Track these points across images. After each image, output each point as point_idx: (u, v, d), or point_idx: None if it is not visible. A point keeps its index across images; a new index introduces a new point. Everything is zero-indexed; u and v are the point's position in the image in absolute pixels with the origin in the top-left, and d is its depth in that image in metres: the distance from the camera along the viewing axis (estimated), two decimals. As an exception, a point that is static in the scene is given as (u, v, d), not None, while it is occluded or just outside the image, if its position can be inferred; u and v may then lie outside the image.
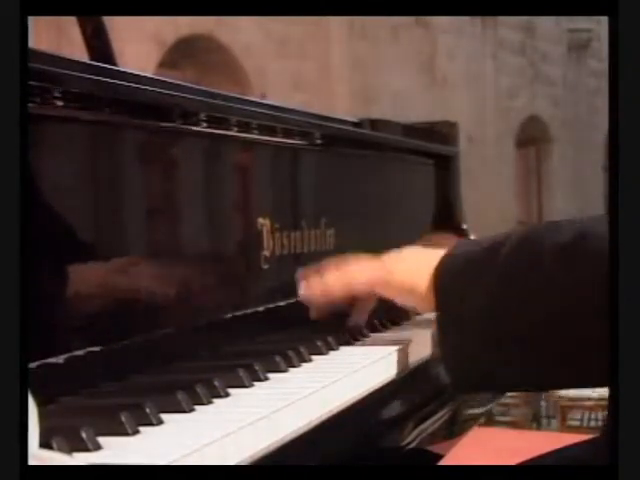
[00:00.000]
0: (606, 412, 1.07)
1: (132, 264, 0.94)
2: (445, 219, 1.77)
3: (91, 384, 0.85)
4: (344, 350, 1.05)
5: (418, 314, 1.33)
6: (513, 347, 0.95)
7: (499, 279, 0.96)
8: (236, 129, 1.12)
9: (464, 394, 1.14)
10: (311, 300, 1.13)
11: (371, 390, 0.96)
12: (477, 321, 0.97)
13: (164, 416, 0.73)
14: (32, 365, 0.77)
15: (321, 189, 1.36)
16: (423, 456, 1.10)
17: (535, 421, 5.58)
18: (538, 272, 0.94)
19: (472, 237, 1.10)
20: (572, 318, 0.91)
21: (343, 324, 1.14)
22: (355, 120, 1.54)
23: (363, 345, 1.10)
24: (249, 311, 1.14)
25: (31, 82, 0.78)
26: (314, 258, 1.28)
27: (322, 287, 1.11)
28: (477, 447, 1.77)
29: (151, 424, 0.72)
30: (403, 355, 1.07)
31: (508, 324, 0.95)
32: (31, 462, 0.57)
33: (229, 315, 1.09)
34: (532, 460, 1.10)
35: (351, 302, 1.14)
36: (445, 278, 1.01)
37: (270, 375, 0.89)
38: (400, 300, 1.10)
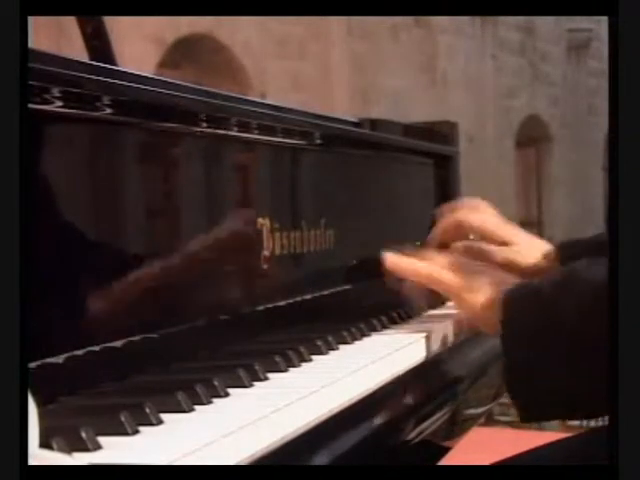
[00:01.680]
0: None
1: (132, 264, 0.94)
2: (445, 219, 1.77)
3: (91, 384, 0.85)
4: (344, 350, 1.05)
5: (418, 314, 1.33)
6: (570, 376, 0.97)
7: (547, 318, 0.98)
8: (236, 129, 1.12)
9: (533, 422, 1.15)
10: (393, 272, 1.20)
11: (371, 390, 0.96)
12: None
13: (164, 416, 0.73)
14: (32, 365, 0.77)
15: (321, 189, 1.36)
16: (423, 455, 1.10)
17: (535, 421, 5.57)
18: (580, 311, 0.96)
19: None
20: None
21: (343, 324, 1.15)
22: (355, 120, 1.54)
23: (363, 345, 1.10)
24: (249, 311, 1.14)
25: (31, 82, 0.78)
26: (314, 258, 1.28)
27: (409, 269, 1.18)
28: (477, 447, 1.77)
29: (151, 424, 0.72)
30: (404, 355, 1.07)
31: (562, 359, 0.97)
32: (31, 462, 0.57)
33: (229, 315, 1.09)
34: (526, 453, 1.10)
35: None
36: (510, 316, 1.02)
37: (270, 375, 0.89)
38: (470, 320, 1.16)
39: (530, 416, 1.02)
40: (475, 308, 1.09)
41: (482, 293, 1.09)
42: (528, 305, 1.02)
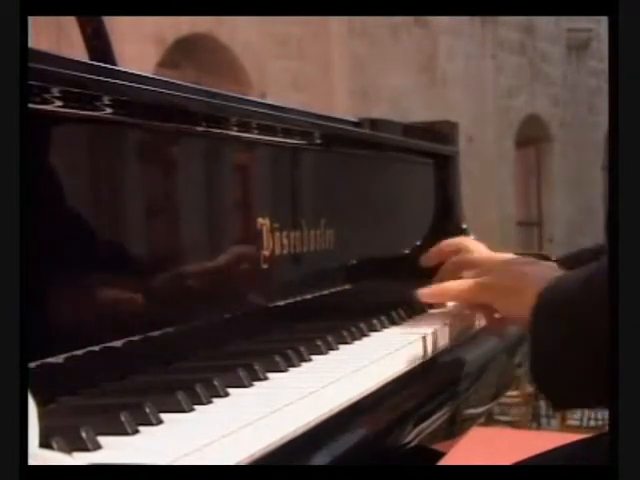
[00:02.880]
0: (606, 411, 1.07)
1: (132, 264, 0.95)
2: (445, 219, 1.77)
3: (91, 384, 0.85)
4: (344, 350, 1.05)
5: (418, 314, 1.33)
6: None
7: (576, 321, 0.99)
8: (236, 129, 1.12)
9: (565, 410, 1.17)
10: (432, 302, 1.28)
11: (371, 390, 0.96)
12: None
13: (164, 416, 0.73)
14: (32, 365, 0.77)
15: (321, 189, 1.36)
16: (423, 455, 1.10)
17: (535, 421, 5.59)
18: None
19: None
20: None
21: (343, 324, 1.15)
22: (355, 120, 1.54)
23: (363, 344, 1.10)
24: (249, 311, 1.14)
25: (31, 82, 0.78)
26: (313, 258, 1.28)
27: (447, 293, 1.23)
28: (477, 447, 1.77)
29: (151, 424, 0.72)
30: (404, 355, 1.07)
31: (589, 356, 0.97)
32: (31, 462, 0.57)
33: (228, 315, 1.09)
34: (529, 459, 1.10)
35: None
36: (543, 312, 1.03)
37: (270, 375, 0.89)
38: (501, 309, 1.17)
39: (560, 403, 1.06)
40: (522, 308, 1.07)
41: (525, 293, 1.08)
42: (557, 310, 1.02)
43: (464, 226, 1.79)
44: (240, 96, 1.23)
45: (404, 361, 1.07)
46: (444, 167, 1.79)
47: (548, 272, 1.10)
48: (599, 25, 11.88)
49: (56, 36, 4.18)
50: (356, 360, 0.98)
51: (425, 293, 1.24)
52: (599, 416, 4.72)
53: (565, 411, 1.30)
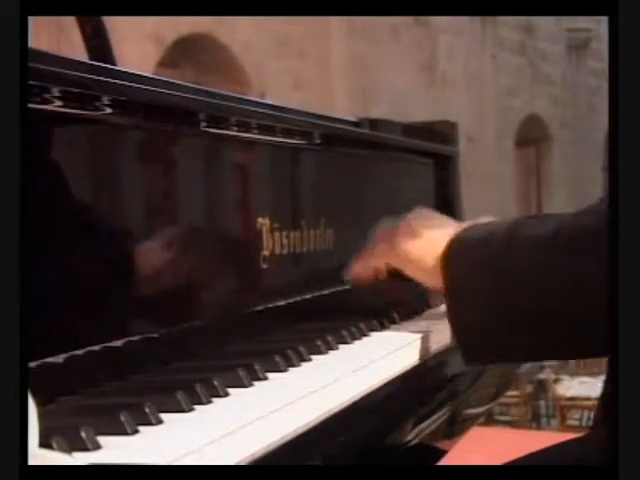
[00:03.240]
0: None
1: (132, 264, 0.94)
2: (445, 219, 1.77)
3: (91, 384, 0.85)
4: (344, 350, 1.05)
5: (418, 314, 1.33)
6: (517, 325, 1.01)
7: (494, 270, 1.03)
8: (236, 129, 1.12)
9: (475, 366, 1.18)
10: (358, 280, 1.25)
11: (371, 389, 0.96)
12: (482, 300, 1.03)
13: (164, 416, 0.73)
14: (32, 365, 0.77)
15: (321, 189, 1.36)
16: (423, 455, 1.10)
17: (535, 421, 5.59)
18: (521, 264, 1.00)
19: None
20: (562, 304, 0.97)
21: (343, 324, 1.15)
22: (355, 120, 1.54)
23: (363, 344, 1.10)
24: (248, 311, 1.14)
25: (31, 82, 0.78)
26: (313, 258, 1.28)
27: (365, 266, 1.23)
28: (477, 447, 1.77)
29: (150, 424, 0.72)
30: (404, 354, 1.07)
31: (507, 308, 1.01)
32: (31, 462, 0.57)
33: (229, 315, 1.09)
34: (521, 459, 1.10)
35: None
36: (452, 261, 1.06)
37: (270, 375, 0.89)
38: (409, 272, 1.17)
39: (472, 358, 1.06)
40: (427, 267, 1.11)
41: (431, 249, 1.10)
42: (470, 254, 1.06)
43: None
44: (240, 96, 1.23)
45: (404, 361, 1.07)
46: (444, 167, 1.79)
47: (450, 230, 1.11)
48: (599, 25, 11.88)
49: (56, 36, 4.18)
50: (356, 360, 0.98)
51: (347, 273, 1.25)
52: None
53: (482, 365, 1.33)
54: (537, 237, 1.00)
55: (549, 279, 0.98)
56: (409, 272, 1.17)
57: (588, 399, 4.79)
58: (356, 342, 1.10)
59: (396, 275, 1.21)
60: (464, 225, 1.13)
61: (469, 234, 1.08)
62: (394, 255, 1.17)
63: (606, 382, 1.09)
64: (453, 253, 1.06)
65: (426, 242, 1.12)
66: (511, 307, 1.00)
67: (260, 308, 1.16)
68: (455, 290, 1.05)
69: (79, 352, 0.84)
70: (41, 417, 0.59)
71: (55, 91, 0.83)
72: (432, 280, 1.11)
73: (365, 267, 1.23)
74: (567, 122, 12.48)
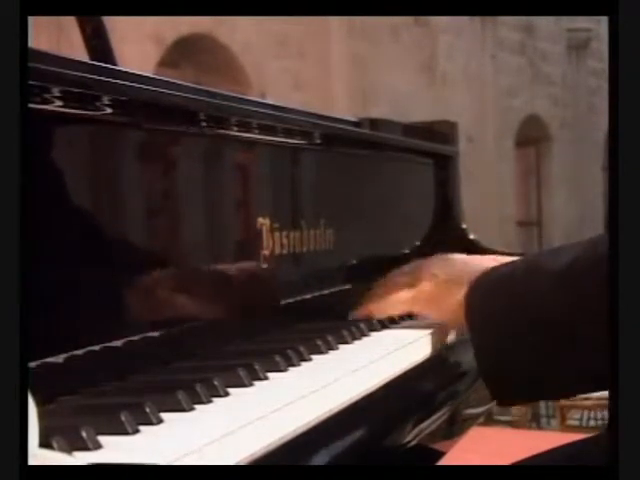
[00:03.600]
0: (606, 411, 1.08)
1: (132, 264, 0.95)
2: (445, 219, 1.77)
3: (91, 384, 0.85)
4: (344, 349, 1.05)
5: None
6: (540, 358, 1.02)
7: (513, 303, 1.04)
8: (236, 129, 1.12)
9: (507, 405, 1.19)
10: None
11: (371, 389, 0.96)
12: (505, 335, 1.04)
13: (164, 415, 0.73)
14: (32, 365, 0.77)
15: (321, 189, 1.36)
16: (423, 455, 1.10)
17: (535, 421, 5.59)
18: (541, 298, 1.01)
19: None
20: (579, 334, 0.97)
21: (343, 324, 1.15)
22: (355, 120, 1.54)
23: (363, 344, 1.10)
24: (249, 311, 1.14)
25: (31, 82, 0.78)
26: (313, 258, 1.28)
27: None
28: (477, 447, 1.77)
29: (151, 423, 0.72)
30: (404, 354, 1.07)
31: (528, 343, 1.02)
32: (31, 462, 0.57)
33: (229, 315, 1.09)
34: (528, 459, 1.10)
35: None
36: (475, 301, 1.08)
37: (270, 375, 0.89)
38: (434, 315, 1.18)
39: (502, 397, 1.07)
40: (452, 309, 1.12)
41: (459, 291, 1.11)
42: (493, 292, 1.06)
43: (464, 226, 1.79)
44: (240, 96, 1.23)
45: (404, 361, 1.07)
46: (444, 167, 1.79)
47: (481, 266, 1.12)
48: (599, 25, 11.87)
49: (56, 36, 4.18)
50: (356, 360, 0.98)
51: (356, 314, 1.23)
52: (599, 416, 4.72)
53: (512, 405, 1.37)
54: (554, 270, 1.00)
55: (563, 310, 0.98)
56: (434, 315, 1.18)
57: (588, 399, 4.79)
58: (356, 342, 1.10)
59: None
60: (484, 263, 1.14)
61: (492, 274, 1.09)
62: (417, 301, 1.18)
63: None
64: (476, 293, 1.07)
65: (450, 285, 1.13)
66: (531, 341, 1.01)
67: (260, 308, 1.16)
68: (479, 327, 1.06)
69: (79, 352, 0.84)
70: (41, 417, 0.59)
71: (55, 91, 0.83)
72: (456, 321, 1.11)
73: (380, 311, 1.22)
74: (567, 122, 12.48)
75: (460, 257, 1.22)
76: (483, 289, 1.07)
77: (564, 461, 1.09)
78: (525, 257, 1.13)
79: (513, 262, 1.10)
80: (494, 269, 1.10)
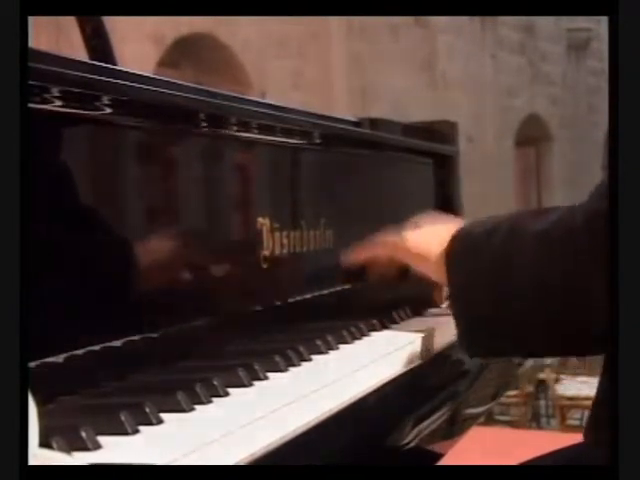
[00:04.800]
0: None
1: (132, 264, 0.94)
2: (445, 219, 1.77)
3: (91, 384, 0.85)
4: (344, 349, 1.05)
5: (418, 314, 1.33)
6: (518, 316, 1.01)
7: (493, 263, 1.03)
8: (236, 129, 1.12)
9: (478, 358, 1.18)
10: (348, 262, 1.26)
11: (371, 389, 0.96)
12: (481, 291, 1.03)
13: (164, 415, 0.73)
14: (32, 365, 0.77)
15: (321, 189, 1.36)
16: (423, 455, 1.10)
17: (535, 420, 5.59)
18: (522, 258, 1.00)
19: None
20: (555, 294, 0.97)
21: (343, 324, 1.15)
22: (355, 120, 1.54)
23: (363, 344, 1.10)
24: (249, 311, 1.14)
25: (31, 82, 0.78)
26: (313, 258, 1.28)
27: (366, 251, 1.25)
28: (477, 447, 1.77)
29: (151, 423, 0.72)
30: (403, 354, 1.07)
31: (506, 302, 1.01)
32: (31, 461, 0.57)
33: (229, 315, 1.09)
34: (531, 461, 1.10)
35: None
36: (454, 252, 1.08)
37: (270, 375, 0.89)
38: (415, 265, 1.18)
39: (475, 351, 1.07)
40: (419, 251, 1.14)
41: (417, 239, 1.14)
42: (475, 247, 1.06)
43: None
44: (240, 96, 1.23)
45: (404, 361, 1.07)
46: (444, 167, 1.79)
47: (454, 225, 1.13)
48: (599, 25, 11.88)
49: (56, 36, 4.18)
50: (356, 360, 0.98)
51: (347, 255, 1.26)
52: (599, 416, 4.71)
53: (484, 360, 1.35)
54: (537, 229, 1.00)
55: (547, 270, 0.98)
56: (413, 263, 1.17)
57: (588, 399, 4.79)
58: (356, 342, 1.10)
59: (398, 274, 1.22)
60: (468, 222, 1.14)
61: (474, 227, 1.09)
62: (399, 247, 1.18)
63: (601, 382, 1.08)
64: (457, 244, 1.07)
65: (431, 234, 1.14)
66: (512, 298, 1.00)
67: (260, 308, 1.16)
68: (458, 280, 1.06)
69: (79, 352, 0.84)
70: (41, 417, 0.59)
71: (55, 91, 0.83)
72: (436, 272, 1.11)
73: (366, 253, 1.24)
74: (567, 122, 12.48)
75: (445, 218, 1.23)
76: (465, 243, 1.07)
77: (565, 463, 1.08)
78: (504, 215, 1.12)
79: (492, 218, 1.10)
80: (476, 223, 1.10)
